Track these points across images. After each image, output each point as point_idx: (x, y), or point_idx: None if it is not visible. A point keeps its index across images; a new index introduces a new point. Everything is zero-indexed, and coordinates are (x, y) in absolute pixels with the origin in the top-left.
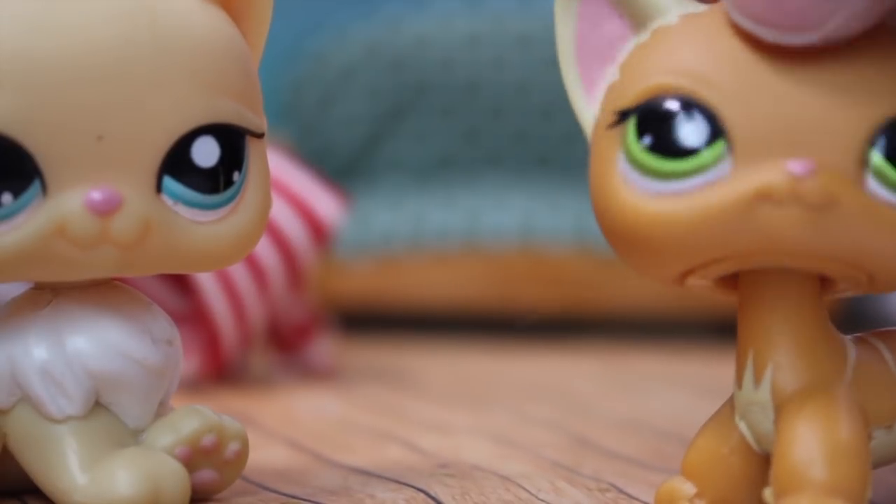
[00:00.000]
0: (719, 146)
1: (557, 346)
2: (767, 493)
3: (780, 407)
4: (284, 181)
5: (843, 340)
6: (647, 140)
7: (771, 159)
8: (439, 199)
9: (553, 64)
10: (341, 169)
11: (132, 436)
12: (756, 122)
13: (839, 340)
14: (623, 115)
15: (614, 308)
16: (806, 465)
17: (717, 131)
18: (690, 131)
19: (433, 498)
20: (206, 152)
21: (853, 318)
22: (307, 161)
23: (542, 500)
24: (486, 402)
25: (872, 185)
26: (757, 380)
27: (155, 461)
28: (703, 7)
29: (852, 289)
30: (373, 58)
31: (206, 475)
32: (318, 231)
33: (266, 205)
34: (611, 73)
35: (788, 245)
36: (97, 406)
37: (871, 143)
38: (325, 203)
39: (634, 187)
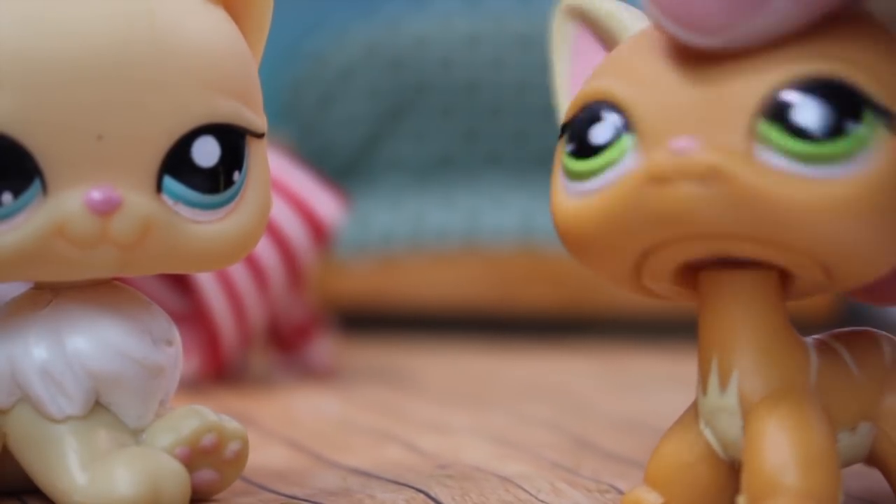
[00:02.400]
0: (626, 140)
1: (557, 346)
2: (741, 500)
3: (748, 412)
4: (284, 181)
5: (806, 343)
6: (570, 147)
7: (665, 144)
8: (439, 199)
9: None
10: (341, 169)
11: (132, 436)
12: (656, 111)
13: (801, 343)
14: (563, 130)
15: (614, 308)
16: (779, 471)
17: (626, 126)
18: (601, 130)
19: (433, 498)
20: (206, 152)
21: (853, 321)
22: (307, 161)
23: (542, 501)
24: (486, 403)
25: (763, 153)
26: (722, 385)
27: (155, 461)
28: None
29: (812, 285)
30: (373, 58)
31: (206, 475)
32: (318, 231)
33: (266, 205)
34: None
35: (692, 225)
36: (97, 406)
37: (760, 114)
38: (325, 203)
39: (565, 192)
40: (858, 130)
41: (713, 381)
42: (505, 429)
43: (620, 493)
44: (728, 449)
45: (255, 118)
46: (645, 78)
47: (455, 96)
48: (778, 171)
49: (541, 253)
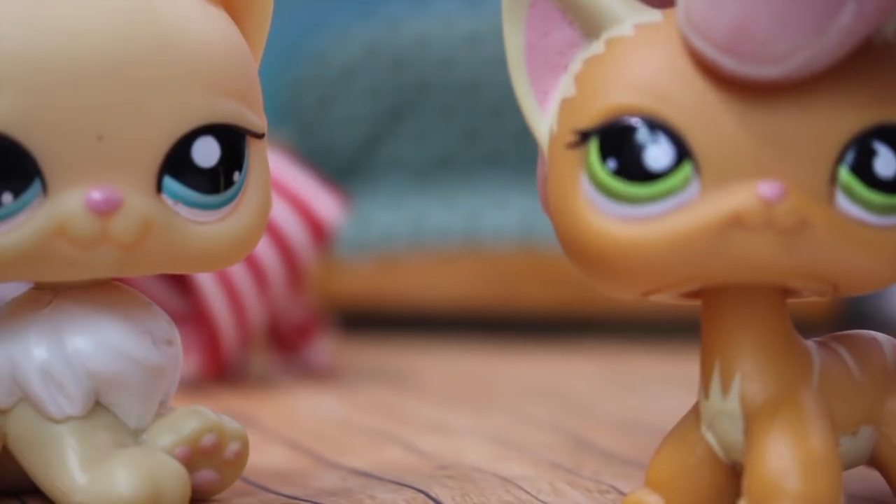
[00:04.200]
0: (686, 168)
1: (557, 346)
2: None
3: (751, 417)
4: (284, 181)
5: (808, 346)
6: (612, 164)
7: (739, 181)
8: (439, 199)
9: None
10: (341, 169)
11: (132, 436)
12: (722, 142)
13: (804, 346)
14: (584, 136)
15: (614, 308)
16: (781, 476)
17: (683, 153)
18: (656, 154)
19: (433, 499)
20: (206, 152)
21: (853, 319)
22: (307, 161)
23: (542, 502)
24: (486, 403)
25: (842, 202)
26: (724, 389)
27: (155, 461)
28: (657, 15)
29: (816, 295)
30: (373, 58)
31: (207, 475)
32: (318, 231)
33: (266, 205)
34: (565, 85)
35: (761, 267)
36: (97, 406)
37: (840, 160)
38: (325, 203)
39: (600, 211)
40: None
41: (715, 384)
42: (505, 429)
43: (621, 493)
44: (730, 452)
45: (256, 118)
46: (696, 101)
47: (455, 96)
48: (854, 221)
49: (541, 253)
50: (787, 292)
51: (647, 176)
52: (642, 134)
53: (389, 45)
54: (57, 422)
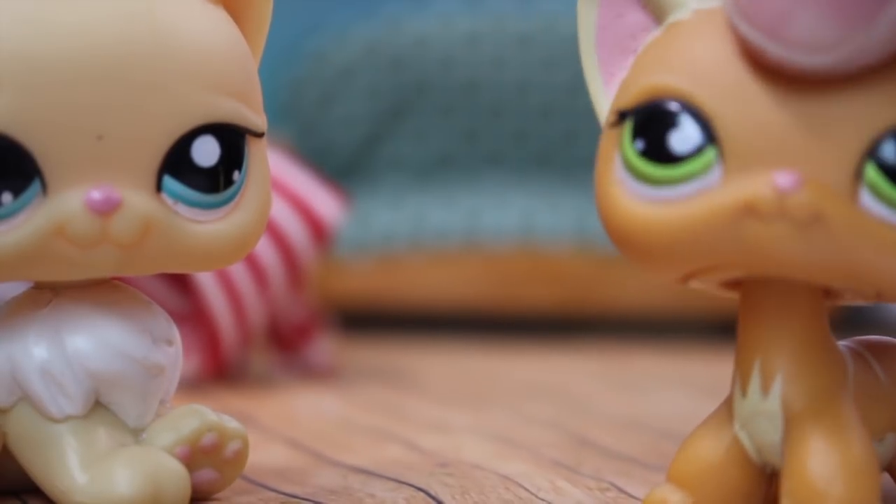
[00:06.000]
0: (710, 154)
1: (557, 346)
2: None
3: (791, 419)
4: (284, 181)
5: (843, 351)
6: (640, 144)
7: (760, 170)
8: (439, 198)
9: (553, 64)
10: (341, 169)
11: (132, 435)
12: (748, 130)
13: (840, 351)
14: (622, 116)
15: (614, 308)
16: (826, 481)
17: (709, 138)
18: (682, 137)
19: (433, 497)
20: (206, 152)
21: (853, 323)
22: (307, 161)
23: (542, 500)
24: (486, 402)
25: (866, 199)
26: (765, 390)
27: (155, 460)
28: (718, 2)
29: (860, 299)
30: (373, 57)
31: (207, 474)
32: (318, 231)
33: (266, 204)
34: (628, 67)
35: (776, 258)
36: (97, 405)
37: (867, 156)
38: (325, 203)
39: (628, 191)
40: None
41: (754, 383)
42: (505, 427)
43: (621, 490)
44: (763, 453)
45: (255, 118)
46: (730, 86)
47: (455, 96)
48: (877, 219)
49: (541, 253)
50: (827, 294)
51: (670, 158)
52: (671, 115)
53: (389, 45)
54: (57, 421)
